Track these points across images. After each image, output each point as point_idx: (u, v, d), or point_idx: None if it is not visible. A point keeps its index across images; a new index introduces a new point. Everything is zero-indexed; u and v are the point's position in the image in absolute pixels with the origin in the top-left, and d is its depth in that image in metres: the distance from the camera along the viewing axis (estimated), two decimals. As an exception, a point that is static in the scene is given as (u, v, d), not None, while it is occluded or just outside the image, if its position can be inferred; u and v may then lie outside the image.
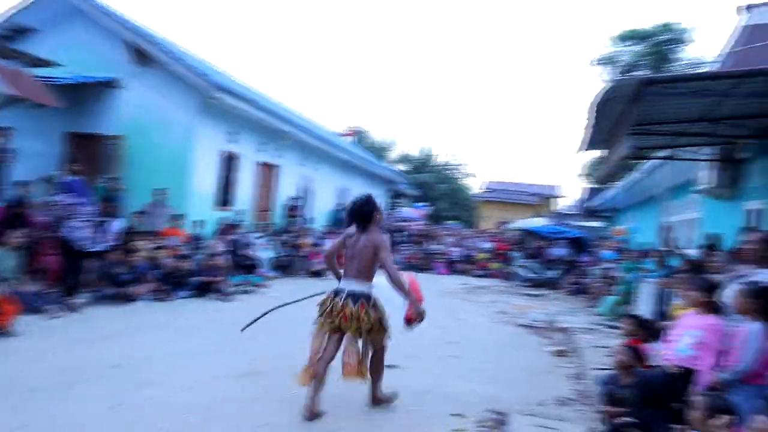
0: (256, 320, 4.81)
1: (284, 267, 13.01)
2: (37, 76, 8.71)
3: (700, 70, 15.83)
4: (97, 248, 7.96)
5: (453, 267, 18.82)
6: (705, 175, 8.71)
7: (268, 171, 14.19)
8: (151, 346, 5.85)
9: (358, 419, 4.30)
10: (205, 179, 11.45)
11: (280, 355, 5.84)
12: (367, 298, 4.27)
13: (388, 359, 5.02)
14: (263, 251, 12.40)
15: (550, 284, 16.41)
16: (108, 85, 10.76)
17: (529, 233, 19.47)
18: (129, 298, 7.97)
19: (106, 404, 4.08)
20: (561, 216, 24.85)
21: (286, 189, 15.11)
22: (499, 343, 7.49)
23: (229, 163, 12.35)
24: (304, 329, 7.32)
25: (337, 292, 4.29)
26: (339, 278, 4.45)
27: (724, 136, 7.42)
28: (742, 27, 5.91)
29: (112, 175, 9.93)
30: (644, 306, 7.51)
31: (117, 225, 8.70)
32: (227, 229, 11.75)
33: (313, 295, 4.60)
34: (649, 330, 4.70)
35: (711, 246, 7.19)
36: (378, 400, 4.58)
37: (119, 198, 9.34)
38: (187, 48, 13.43)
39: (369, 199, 4.44)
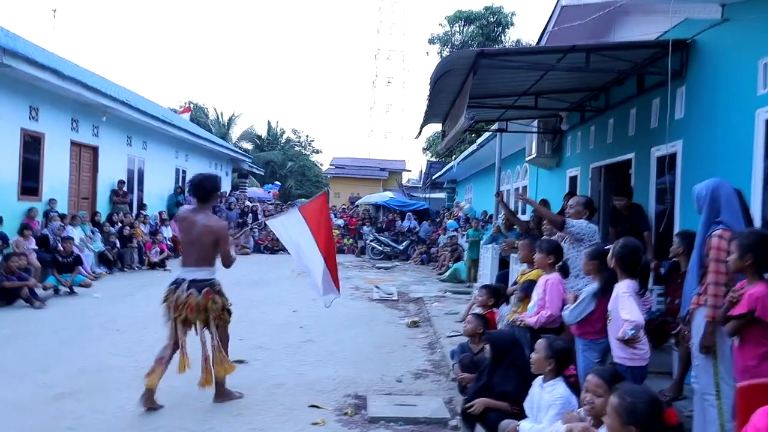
0: None
1: (115, 261, 11.54)
2: None
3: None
4: None
5: (306, 246, 18.46)
6: (534, 145, 9.42)
7: (86, 153, 12.36)
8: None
9: (205, 424, 3.79)
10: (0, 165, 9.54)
11: (104, 367, 5.03)
12: (212, 285, 4.11)
13: (234, 354, 4.61)
14: (87, 245, 10.84)
15: (401, 255, 16.96)
16: None
17: (379, 207, 19.88)
18: None
19: None
20: (408, 189, 25.80)
21: (111, 172, 13.31)
22: (353, 320, 7.36)
23: (35, 144, 10.45)
24: (131, 334, 6.41)
25: (178, 283, 4.06)
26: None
27: (549, 109, 8.03)
28: (559, 8, 6.30)
29: None
30: (488, 271, 7.91)
31: None
32: (37, 222, 9.98)
33: None
34: (498, 296, 4.84)
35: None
36: (222, 395, 4.24)
37: None
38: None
39: (212, 176, 4.35)
